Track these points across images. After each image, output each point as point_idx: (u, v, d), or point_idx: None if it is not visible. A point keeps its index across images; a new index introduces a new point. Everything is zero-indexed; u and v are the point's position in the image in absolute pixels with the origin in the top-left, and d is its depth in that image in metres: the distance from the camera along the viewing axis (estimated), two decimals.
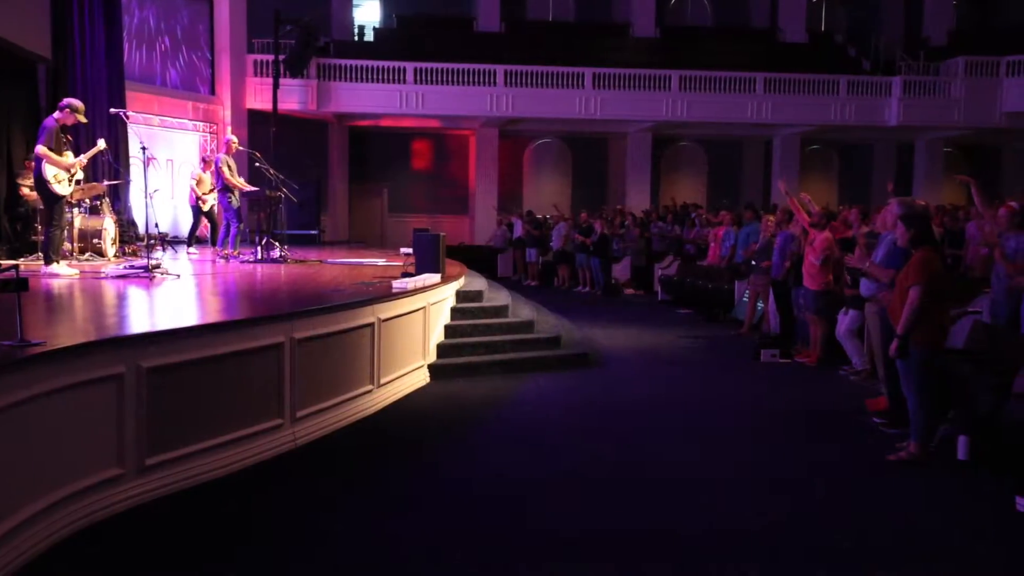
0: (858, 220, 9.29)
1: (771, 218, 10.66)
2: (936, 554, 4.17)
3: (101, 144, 9.27)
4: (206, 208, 13.00)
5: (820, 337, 8.94)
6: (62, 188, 8.32)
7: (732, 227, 13.13)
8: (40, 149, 8.14)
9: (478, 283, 10.17)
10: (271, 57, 18.32)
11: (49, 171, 8.20)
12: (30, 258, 9.79)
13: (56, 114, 8.38)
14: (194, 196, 12.99)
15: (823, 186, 23.95)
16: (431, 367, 7.92)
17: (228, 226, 11.60)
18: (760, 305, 10.98)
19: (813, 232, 8.77)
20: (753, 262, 10.85)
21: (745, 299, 11.57)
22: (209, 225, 13.09)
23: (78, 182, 8.99)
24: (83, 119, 8.50)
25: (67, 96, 9.60)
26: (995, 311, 7.29)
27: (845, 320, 8.18)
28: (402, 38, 23.39)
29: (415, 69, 20.20)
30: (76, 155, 8.68)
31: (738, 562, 3.99)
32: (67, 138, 8.51)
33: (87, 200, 10.77)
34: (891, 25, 25.29)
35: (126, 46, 14.95)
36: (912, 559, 4.09)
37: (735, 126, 22.12)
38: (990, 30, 24.79)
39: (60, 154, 8.24)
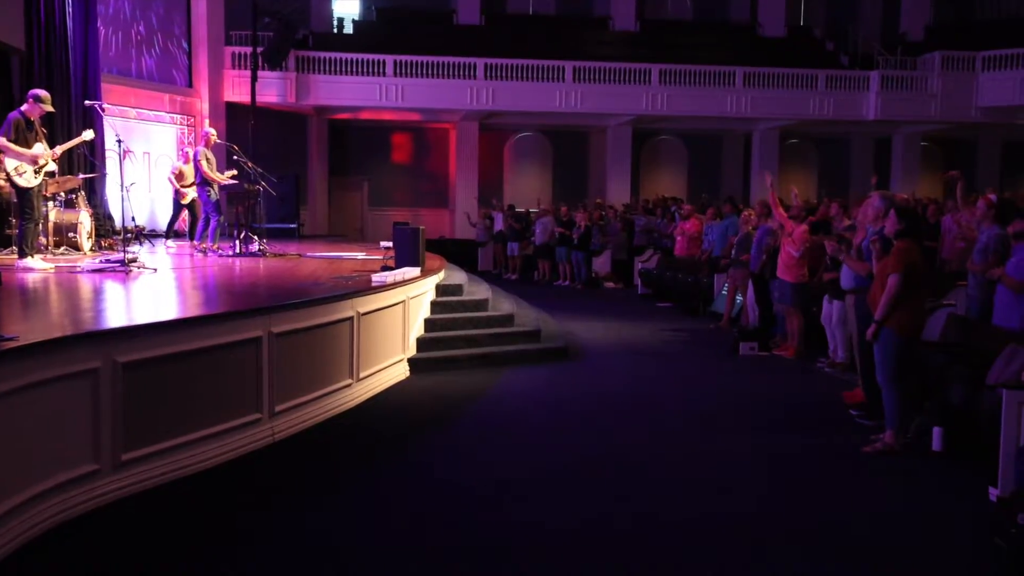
0: (840, 213, 9.35)
1: (751, 212, 10.71)
2: (910, 545, 4.22)
3: (88, 135, 9.13)
4: (186, 201, 12.88)
5: (797, 329, 9.01)
6: (25, 180, 8.14)
7: (714, 220, 13.17)
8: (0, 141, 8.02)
9: (458, 277, 10.16)
10: (249, 49, 18.23)
11: (9, 164, 8.08)
12: (4, 252, 9.66)
13: (23, 106, 8.26)
14: (176, 190, 12.91)
15: (802, 180, 24.09)
16: (411, 361, 7.90)
17: (207, 219, 11.50)
18: (739, 298, 11.04)
19: (791, 225, 8.83)
20: (733, 253, 10.89)
21: (724, 292, 11.63)
22: (189, 219, 12.97)
23: (51, 174, 8.86)
24: (49, 108, 8.36)
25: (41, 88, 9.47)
26: (969, 304, 7.39)
27: (835, 310, 8.19)
28: (382, 31, 23.26)
29: (395, 62, 20.09)
30: (52, 146, 8.56)
31: (717, 555, 4.03)
32: (42, 130, 8.38)
33: (62, 193, 10.64)
34: (869, 20, 25.48)
35: (100, 36, 14.75)
36: (887, 550, 4.14)
37: (715, 120, 22.22)
38: (966, 25, 25.02)
39: (28, 146, 8.11)
